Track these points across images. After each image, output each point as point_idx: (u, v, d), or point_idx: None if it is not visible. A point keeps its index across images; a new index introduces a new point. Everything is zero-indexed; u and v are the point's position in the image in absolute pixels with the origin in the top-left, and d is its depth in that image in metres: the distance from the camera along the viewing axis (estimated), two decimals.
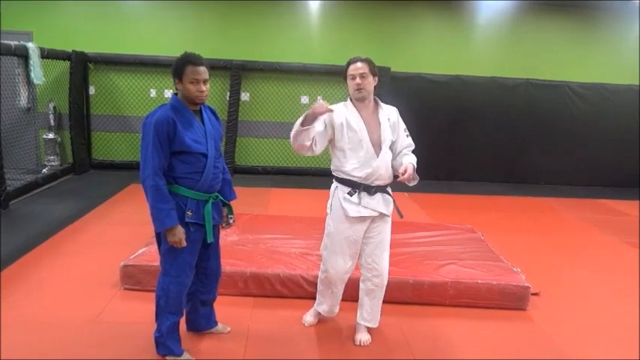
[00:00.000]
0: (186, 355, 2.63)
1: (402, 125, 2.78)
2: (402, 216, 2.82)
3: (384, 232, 2.79)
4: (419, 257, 3.82)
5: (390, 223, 2.81)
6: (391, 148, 2.73)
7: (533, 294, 3.54)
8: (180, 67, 2.38)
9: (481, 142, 7.96)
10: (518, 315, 3.40)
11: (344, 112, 2.65)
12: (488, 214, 6.09)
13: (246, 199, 5.81)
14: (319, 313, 3.08)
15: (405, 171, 2.57)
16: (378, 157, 2.64)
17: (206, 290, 2.78)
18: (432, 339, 3.05)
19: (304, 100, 7.79)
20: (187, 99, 2.42)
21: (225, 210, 2.70)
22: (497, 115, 7.89)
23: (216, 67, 7.23)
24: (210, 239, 2.54)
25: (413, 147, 2.79)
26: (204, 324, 2.88)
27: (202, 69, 2.38)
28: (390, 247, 3.92)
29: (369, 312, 2.90)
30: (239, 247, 3.84)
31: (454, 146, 7.92)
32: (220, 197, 2.61)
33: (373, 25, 7.69)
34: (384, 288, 2.89)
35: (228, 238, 3.94)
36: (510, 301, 3.45)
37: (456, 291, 3.42)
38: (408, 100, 7.55)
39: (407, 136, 2.78)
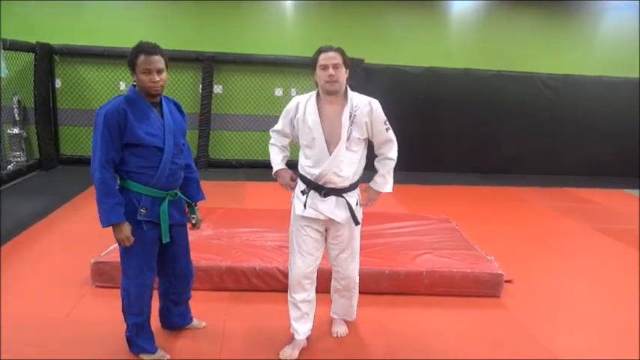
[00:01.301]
0: (160, 353, 2.57)
1: (381, 118, 2.50)
2: (357, 223, 2.57)
3: (349, 238, 2.61)
4: (395, 248, 3.85)
5: (356, 229, 2.63)
6: (372, 141, 2.57)
7: (506, 281, 3.59)
8: (132, 57, 2.28)
9: (454, 133, 8.05)
10: (492, 302, 3.45)
11: (303, 107, 2.51)
12: (462, 204, 6.17)
13: (220, 193, 5.75)
14: (299, 343, 2.71)
15: (367, 199, 2.66)
16: (330, 157, 2.44)
17: (177, 291, 2.71)
18: (408, 328, 3.07)
19: (278, 92, 7.73)
20: (143, 90, 2.32)
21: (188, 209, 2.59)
22: (469, 107, 7.98)
23: (188, 59, 7.11)
24: (165, 239, 2.42)
25: (392, 142, 2.58)
26: (179, 322, 2.82)
27: (156, 58, 2.26)
28: (366, 238, 3.93)
29: (340, 308, 2.88)
30: (214, 242, 3.79)
31: (427, 137, 7.98)
32: (180, 194, 2.49)
33: (348, 16, 7.66)
34: (354, 292, 2.83)
35: (202, 232, 3.87)
36: (484, 288, 3.50)
37: (431, 280, 3.45)
38: (381, 92, 7.53)
39: (386, 129, 2.53)
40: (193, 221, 2.62)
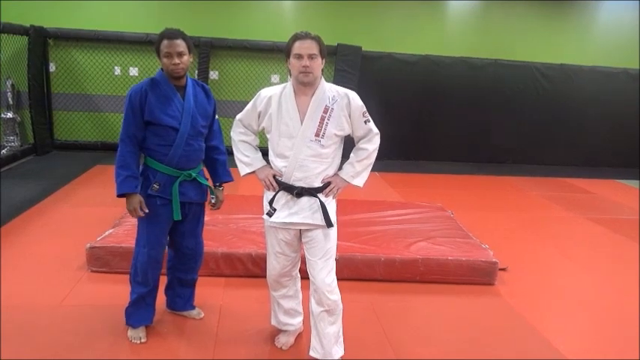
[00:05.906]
0: (139, 332, 2.59)
1: (359, 109, 2.29)
2: (331, 225, 2.32)
3: (321, 239, 2.33)
4: (390, 235, 3.86)
5: (331, 231, 2.35)
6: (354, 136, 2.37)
7: (500, 269, 3.62)
8: (157, 43, 2.42)
9: (450, 121, 8.04)
10: (486, 290, 3.48)
11: (277, 100, 2.29)
12: (458, 192, 6.19)
13: None
14: (289, 332, 2.69)
15: (330, 189, 2.32)
16: (300, 152, 2.25)
17: (183, 268, 2.76)
18: (403, 315, 3.09)
19: (274, 79, 7.69)
20: (167, 73, 2.44)
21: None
22: (465, 95, 7.96)
23: None
24: (177, 217, 2.51)
25: (372, 133, 2.35)
26: (180, 304, 2.85)
27: (177, 42, 2.38)
28: (362, 226, 4.00)
29: (317, 340, 2.43)
30: (209, 228, 3.75)
31: (423, 125, 7.99)
32: (197, 177, 2.56)
33: (345, 3, 7.60)
34: (332, 312, 2.37)
35: None
36: (479, 276, 3.53)
37: (426, 267, 3.47)
38: (378, 79, 7.60)
39: (365, 122, 2.31)
40: (212, 201, 2.69)
